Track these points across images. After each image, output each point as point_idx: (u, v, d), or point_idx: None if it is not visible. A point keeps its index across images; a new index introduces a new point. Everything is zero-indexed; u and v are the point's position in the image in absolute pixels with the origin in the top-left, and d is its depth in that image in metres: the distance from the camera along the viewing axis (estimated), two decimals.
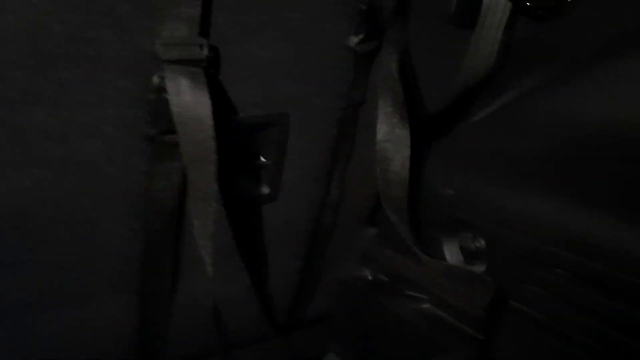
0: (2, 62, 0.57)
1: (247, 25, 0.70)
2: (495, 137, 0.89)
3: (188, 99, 0.65)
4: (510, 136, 0.87)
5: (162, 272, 0.80)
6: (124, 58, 0.63)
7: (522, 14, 0.89)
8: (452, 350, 0.80)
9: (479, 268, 0.85)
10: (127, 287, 0.78)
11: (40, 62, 0.59)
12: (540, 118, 0.84)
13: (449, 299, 0.85)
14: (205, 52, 0.65)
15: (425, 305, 0.87)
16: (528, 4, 0.87)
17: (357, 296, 0.96)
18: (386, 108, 0.82)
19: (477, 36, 0.87)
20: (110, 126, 0.67)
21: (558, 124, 0.82)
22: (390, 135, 0.83)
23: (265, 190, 0.86)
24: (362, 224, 0.99)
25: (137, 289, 0.79)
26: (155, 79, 0.65)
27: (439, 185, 0.92)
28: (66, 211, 0.69)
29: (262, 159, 0.84)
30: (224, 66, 0.71)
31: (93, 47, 0.61)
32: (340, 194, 0.93)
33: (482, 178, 0.88)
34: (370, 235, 0.97)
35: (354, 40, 0.79)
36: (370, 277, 0.96)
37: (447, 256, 0.88)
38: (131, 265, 0.77)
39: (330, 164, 0.90)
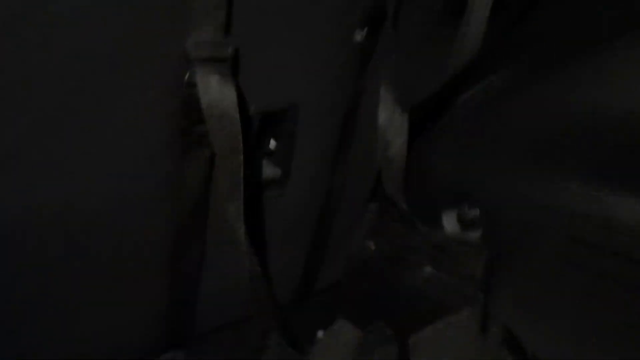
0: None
1: (264, 27, 0.77)
2: (487, 117, 0.99)
3: (216, 94, 0.72)
4: (500, 116, 0.98)
5: (192, 255, 0.87)
6: (154, 62, 0.69)
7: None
8: (455, 310, 0.91)
9: (475, 234, 0.95)
10: (157, 273, 0.85)
11: (73, 78, 0.63)
12: (529, 100, 0.95)
13: (448, 264, 0.95)
14: (231, 51, 0.72)
15: (428, 270, 0.97)
16: None
17: (362, 265, 1.06)
18: (386, 97, 0.91)
19: (465, 21, 0.96)
20: (140, 129, 0.72)
21: (546, 106, 0.93)
22: (390, 121, 0.92)
23: (277, 172, 0.94)
24: (366, 202, 1.08)
25: (168, 271, 0.86)
26: (187, 77, 0.71)
27: (437, 163, 1.02)
28: (98, 215, 0.74)
29: (275, 146, 0.92)
30: (243, 65, 0.78)
31: (123, 57, 0.66)
32: (345, 176, 1.02)
33: (478, 155, 0.99)
34: (373, 211, 1.06)
35: (359, 35, 0.86)
36: (373, 248, 1.05)
37: (445, 225, 0.98)
38: (162, 251, 0.84)
39: (336, 149, 0.98)
